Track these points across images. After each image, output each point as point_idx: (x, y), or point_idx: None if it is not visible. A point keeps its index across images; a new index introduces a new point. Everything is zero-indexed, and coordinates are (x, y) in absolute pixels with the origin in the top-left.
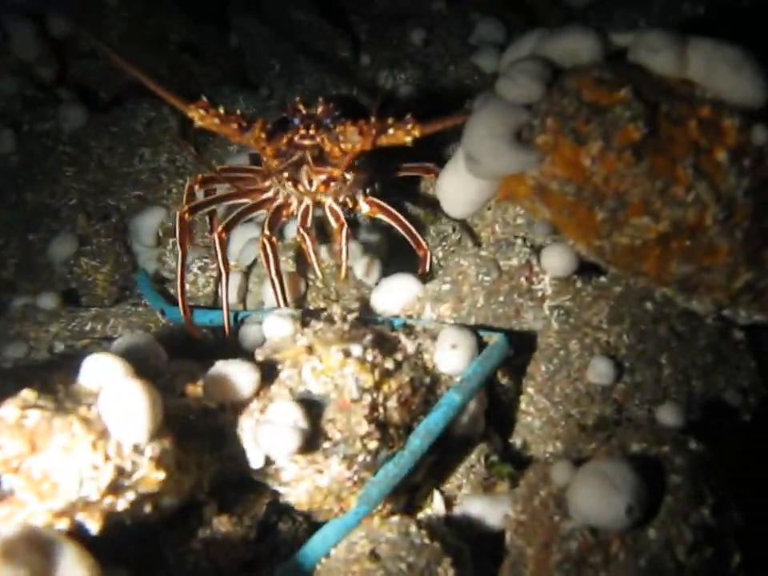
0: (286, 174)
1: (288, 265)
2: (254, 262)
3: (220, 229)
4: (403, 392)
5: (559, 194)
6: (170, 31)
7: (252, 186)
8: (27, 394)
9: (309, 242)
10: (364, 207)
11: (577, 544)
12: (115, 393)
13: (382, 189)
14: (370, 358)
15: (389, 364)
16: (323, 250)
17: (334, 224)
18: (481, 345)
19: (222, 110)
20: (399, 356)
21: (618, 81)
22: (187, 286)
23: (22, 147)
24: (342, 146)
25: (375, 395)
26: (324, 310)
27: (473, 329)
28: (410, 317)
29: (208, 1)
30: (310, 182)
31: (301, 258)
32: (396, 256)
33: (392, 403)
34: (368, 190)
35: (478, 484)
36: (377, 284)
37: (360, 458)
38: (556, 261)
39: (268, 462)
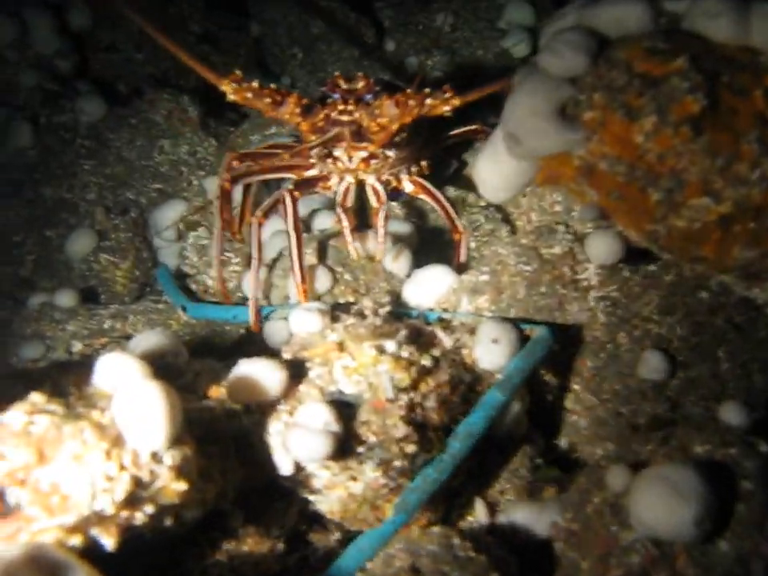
0: (324, 151)
1: (314, 257)
2: (279, 254)
3: (259, 213)
4: (442, 391)
5: (609, 174)
6: (190, 21)
7: (294, 162)
8: (35, 397)
9: (346, 223)
10: (407, 186)
11: (639, 558)
12: (131, 395)
13: (429, 166)
14: (405, 354)
15: (426, 361)
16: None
17: (374, 203)
18: (523, 339)
19: (255, 84)
20: (436, 352)
21: (672, 50)
22: (209, 282)
23: (39, 141)
24: (380, 120)
25: (412, 395)
26: (354, 304)
27: (514, 322)
28: (446, 310)
29: None
30: (350, 159)
31: (325, 252)
32: (427, 251)
33: (430, 403)
34: (413, 168)
35: (522, 489)
36: (408, 276)
37: (397, 463)
38: (602, 248)
39: (298, 468)
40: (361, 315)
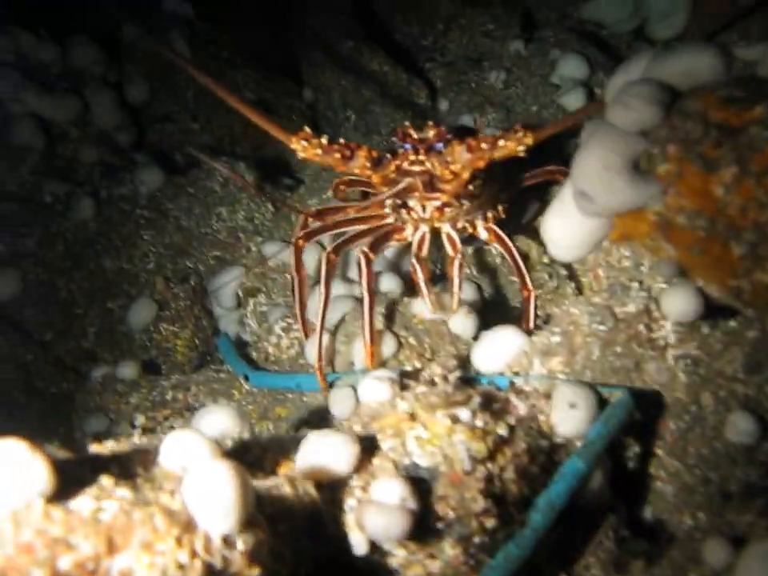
0: (398, 202)
1: (377, 321)
2: (342, 320)
3: (330, 249)
4: (520, 461)
5: (688, 228)
6: (244, 88)
7: (369, 213)
8: (104, 481)
9: (421, 274)
10: (482, 233)
11: None
12: (200, 477)
13: (505, 210)
14: (480, 423)
15: (501, 429)
16: (417, 302)
17: (449, 252)
18: (601, 402)
19: (324, 140)
20: (512, 419)
21: (749, 98)
22: (270, 349)
23: (100, 213)
24: (453, 167)
25: (490, 466)
26: (420, 369)
27: (591, 385)
28: (517, 374)
29: (282, 56)
30: (424, 209)
31: (390, 315)
32: (492, 309)
33: (509, 474)
34: (489, 214)
35: (608, 564)
36: (474, 338)
37: (476, 539)
38: (679, 304)
39: (373, 547)
40: (431, 382)
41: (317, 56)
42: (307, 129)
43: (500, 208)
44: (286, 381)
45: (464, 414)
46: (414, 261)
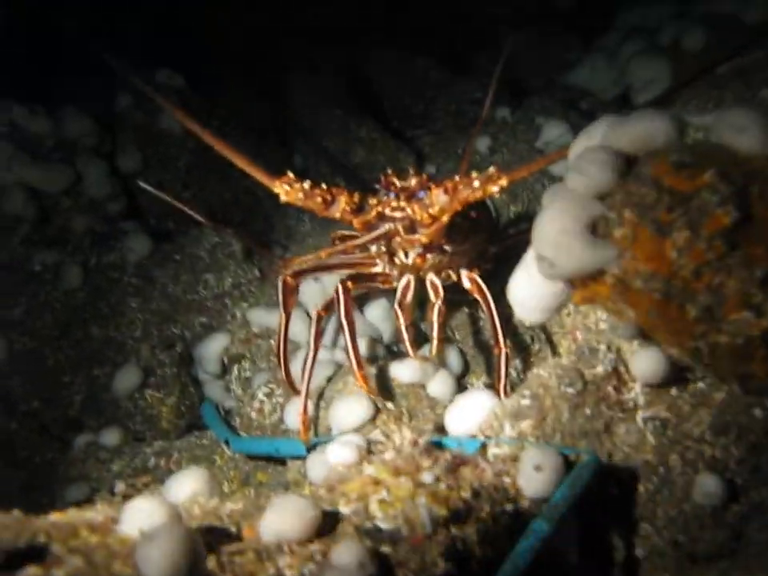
0: (382, 249)
1: (356, 387)
2: (323, 388)
3: (321, 307)
4: (484, 523)
5: (644, 291)
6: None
7: (356, 260)
8: (55, 549)
9: (402, 320)
10: (465, 283)
11: None
12: (151, 543)
13: (489, 261)
14: (443, 486)
15: (465, 492)
16: (396, 365)
17: (432, 298)
18: (568, 464)
19: (306, 185)
20: (476, 483)
21: (700, 164)
22: (253, 415)
23: (88, 282)
24: (431, 210)
25: (452, 529)
26: (394, 433)
27: (558, 448)
28: (488, 437)
29: (272, 124)
30: (406, 255)
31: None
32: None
33: (471, 536)
34: (473, 265)
35: None
36: (451, 401)
37: None
38: (647, 366)
39: None
40: (400, 447)
41: (306, 124)
42: (290, 174)
43: (486, 259)
44: (265, 446)
45: (427, 477)
46: (396, 306)
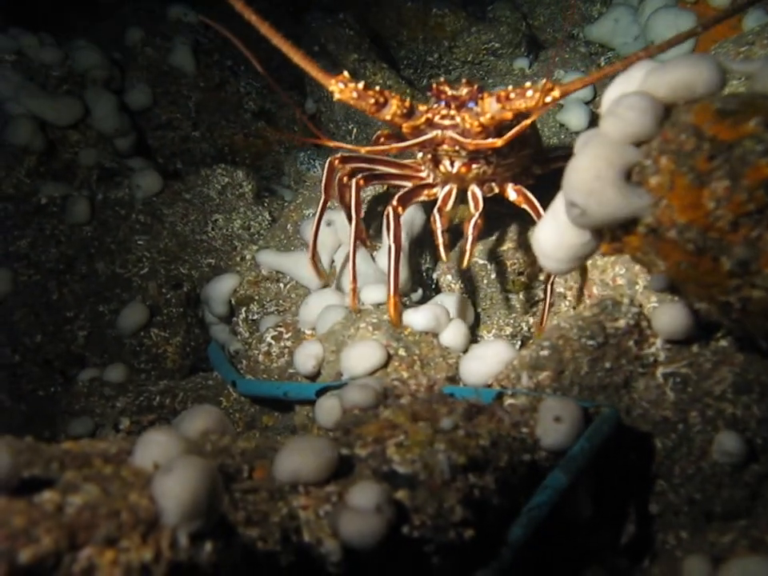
0: (428, 156)
1: (368, 332)
2: (332, 329)
3: (395, 203)
4: (502, 472)
5: (678, 242)
6: (246, 98)
7: (401, 164)
8: (70, 476)
9: (439, 224)
10: (511, 194)
11: None
12: (169, 474)
13: (533, 180)
14: (462, 433)
15: (484, 441)
16: (408, 313)
17: (471, 209)
18: (587, 418)
19: (360, 85)
20: (495, 432)
21: (744, 112)
22: (260, 357)
23: (95, 217)
24: (482, 119)
25: (470, 476)
26: (409, 380)
27: (577, 400)
28: (504, 387)
29: (286, 67)
30: (452, 163)
31: (381, 327)
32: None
33: (489, 484)
34: (517, 180)
35: None
36: (464, 351)
37: None
38: (670, 321)
39: (347, 552)
40: (416, 392)
41: (321, 67)
42: (345, 73)
43: (529, 176)
44: (273, 389)
45: (446, 423)
46: (435, 212)
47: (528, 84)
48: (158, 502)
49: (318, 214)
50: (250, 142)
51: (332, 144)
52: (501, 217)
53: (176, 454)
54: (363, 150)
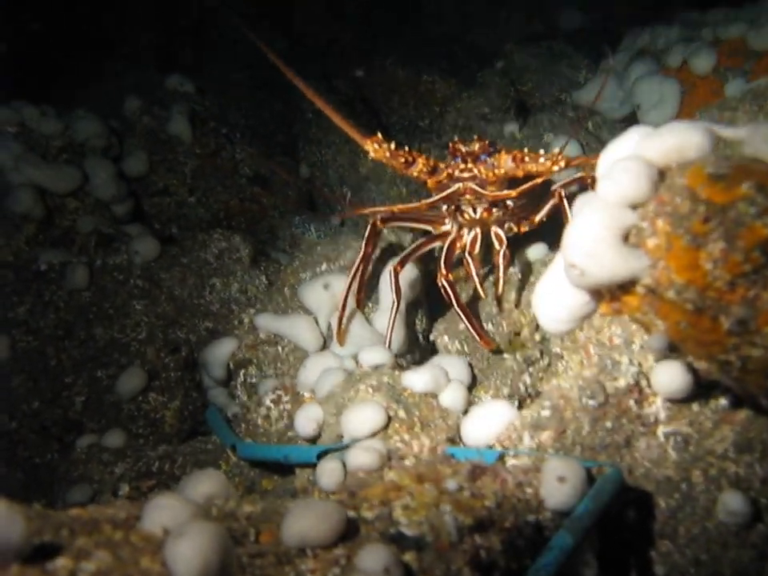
0: (453, 207)
1: (368, 394)
2: (331, 392)
3: (397, 262)
4: (508, 533)
5: (677, 302)
6: (241, 164)
7: (431, 217)
8: (82, 542)
9: (473, 266)
10: (525, 227)
11: None
12: (182, 539)
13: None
14: (467, 494)
15: (489, 502)
16: (407, 375)
17: (496, 246)
18: (590, 478)
19: (392, 145)
20: (499, 493)
21: (736, 176)
22: (259, 421)
23: (93, 283)
24: (497, 171)
25: (477, 538)
26: (411, 441)
27: (580, 460)
28: (506, 447)
29: (281, 133)
30: (474, 210)
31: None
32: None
33: (495, 546)
34: (532, 216)
35: None
36: (464, 412)
37: None
38: (669, 381)
39: None
40: (419, 453)
41: (315, 134)
42: (379, 134)
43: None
44: (273, 452)
45: (451, 485)
46: (467, 256)
47: (542, 152)
48: (170, 567)
49: (355, 268)
50: (245, 207)
51: (369, 210)
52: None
53: (185, 519)
54: (396, 209)
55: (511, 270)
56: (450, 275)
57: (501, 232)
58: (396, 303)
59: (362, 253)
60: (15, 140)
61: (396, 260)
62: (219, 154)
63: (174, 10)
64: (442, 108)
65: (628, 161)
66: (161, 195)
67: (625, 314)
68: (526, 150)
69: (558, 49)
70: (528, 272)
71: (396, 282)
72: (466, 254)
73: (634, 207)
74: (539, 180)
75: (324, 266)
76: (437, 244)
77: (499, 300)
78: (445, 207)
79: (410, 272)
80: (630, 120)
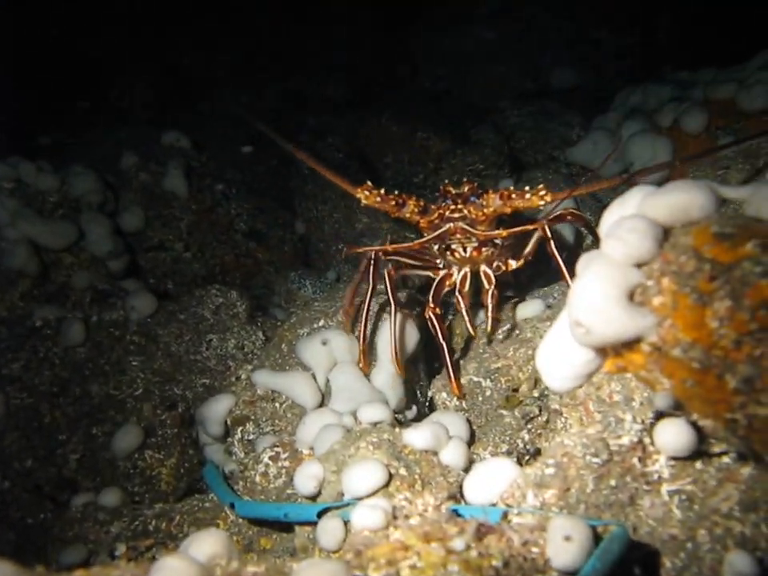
0: (443, 246)
1: (368, 451)
2: (331, 449)
3: (431, 305)
4: None
5: (683, 360)
6: (237, 220)
7: (425, 256)
8: None
9: (463, 304)
10: (513, 264)
11: None
12: None
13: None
14: (475, 554)
15: (496, 561)
16: (408, 432)
17: (485, 285)
18: (596, 537)
19: (382, 191)
20: (506, 551)
21: (741, 235)
22: (257, 478)
23: (89, 338)
24: (485, 210)
25: None
26: (416, 499)
27: (585, 519)
28: (510, 505)
29: (276, 189)
30: (464, 249)
31: (382, 446)
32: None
33: None
34: (518, 254)
35: None
36: (465, 470)
37: None
38: (673, 439)
39: None
40: (423, 512)
41: (311, 189)
42: (369, 182)
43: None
44: (273, 510)
45: (458, 544)
46: (457, 294)
47: (527, 188)
48: None
49: (368, 295)
50: (241, 262)
51: (363, 249)
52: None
53: None
54: (390, 248)
55: (508, 326)
56: (437, 309)
57: (490, 271)
58: (446, 347)
59: (370, 285)
60: (11, 196)
61: (429, 303)
62: (215, 210)
63: (168, 67)
64: (437, 164)
65: (634, 220)
66: (156, 250)
67: (630, 371)
68: (511, 188)
69: (551, 107)
70: (525, 328)
71: (440, 323)
72: (456, 293)
73: (639, 266)
74: (530, 227)
75: (321, 322)
76: (428, 273)
77: (490, 339)
78: (436, 246)
79: (408, 329)
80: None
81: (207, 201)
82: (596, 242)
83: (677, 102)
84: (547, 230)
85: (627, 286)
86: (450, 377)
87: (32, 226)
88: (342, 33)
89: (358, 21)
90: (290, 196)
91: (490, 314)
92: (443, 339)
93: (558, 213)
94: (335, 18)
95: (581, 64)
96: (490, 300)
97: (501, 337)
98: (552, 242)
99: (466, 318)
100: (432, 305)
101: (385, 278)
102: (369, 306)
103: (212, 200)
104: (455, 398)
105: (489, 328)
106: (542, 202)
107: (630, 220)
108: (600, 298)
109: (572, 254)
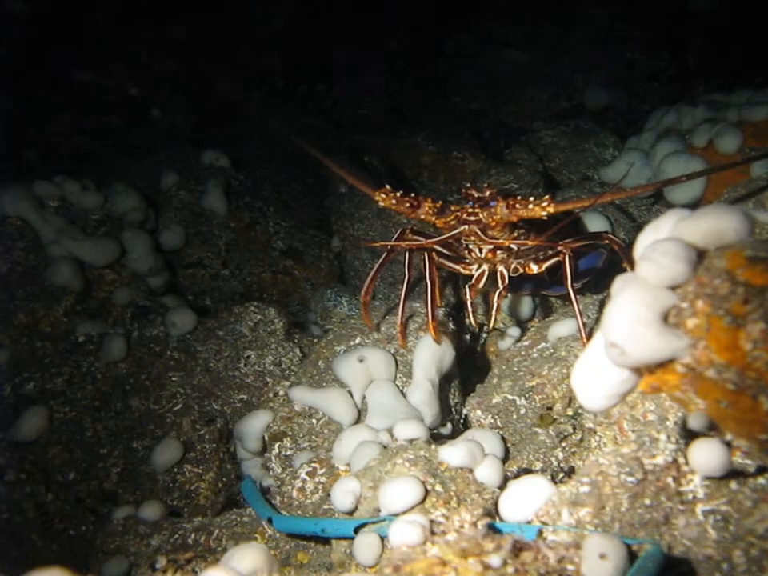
0: (461, 245)
1: (405, 468)
2: (368, 466)
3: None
4: None
5: (717, 381)
6: (274, 237)
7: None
8: None
9: (468, 297)
10: (534, 268)
11: None
12: None
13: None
14: (511, 571)
15: None
16: (444, 449)
17: (499, 284)
18: (631, 555)
19: (399, 194)
20: (542, 568)
21: None
22: (294, 494)
23: (130, 354)
24: (495, 217)
25: None
26: (452, 516)
27: (621, 537)
28: (545, 523)
29: (313, 207)
30: (480, 250)
31: (418, 463)
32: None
33: None
34: (539, 257)
35: None
36: (500, 487)
37: None
38: (708, 459)
39: None
40: (460, 529)
41: (347, 208)
42: (387, 186)
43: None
44: (310, 525)
45: (495, 560)
46: (467, 287)
47: (532, 198)
48: None
49: (405, 287)
50: (278, 279)
51: (396, 244)
52: (529, 355)
53: None
54: (425, 243)
55: (542, 345)
56: (434, 253)
57: (505, 272)
58: (430, 286)
59: (407, 276)
60: (56, 214)
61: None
62: (253, 228)
63: (206, 87)
64: (472, 183)
65: (668, 243)
66: (195, 267)
67: (664, 391)
68: (519, 197)
69: (585, 127)
70: (560, 347)
71: (431, 264)
72: (467, 286)
73: (674, 288)
74: (538, 240)
75: (358, 339)
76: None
77: (484, 330)
78: (456, 244)
79: (441, 349)
80: (656, 197)
81: (245, 218)
82: (630, 265)
83: (711, 122)
84: (567, 254)
85: (661, 308)
86: (428, 315)
87: (76, 243)
88: (378, 56)
89: (391, 45)
90: (326, 214)
91: (494, 312)
92: (430, 281)
93: (592, 233)
94: (369, 42)
95: (613, 84)
96: (496, 298)
97: (535, 355)
98: (567, 267)
99: (470, 311)
100: (436, 246)
101: (425, 258)
102: (406, 294)
103: (250, 218)
104: (490, 416)
105: (491, 324)
106: (544, 213)
107: (664, 243)
108: (635, 320)
109: (604, 276)
